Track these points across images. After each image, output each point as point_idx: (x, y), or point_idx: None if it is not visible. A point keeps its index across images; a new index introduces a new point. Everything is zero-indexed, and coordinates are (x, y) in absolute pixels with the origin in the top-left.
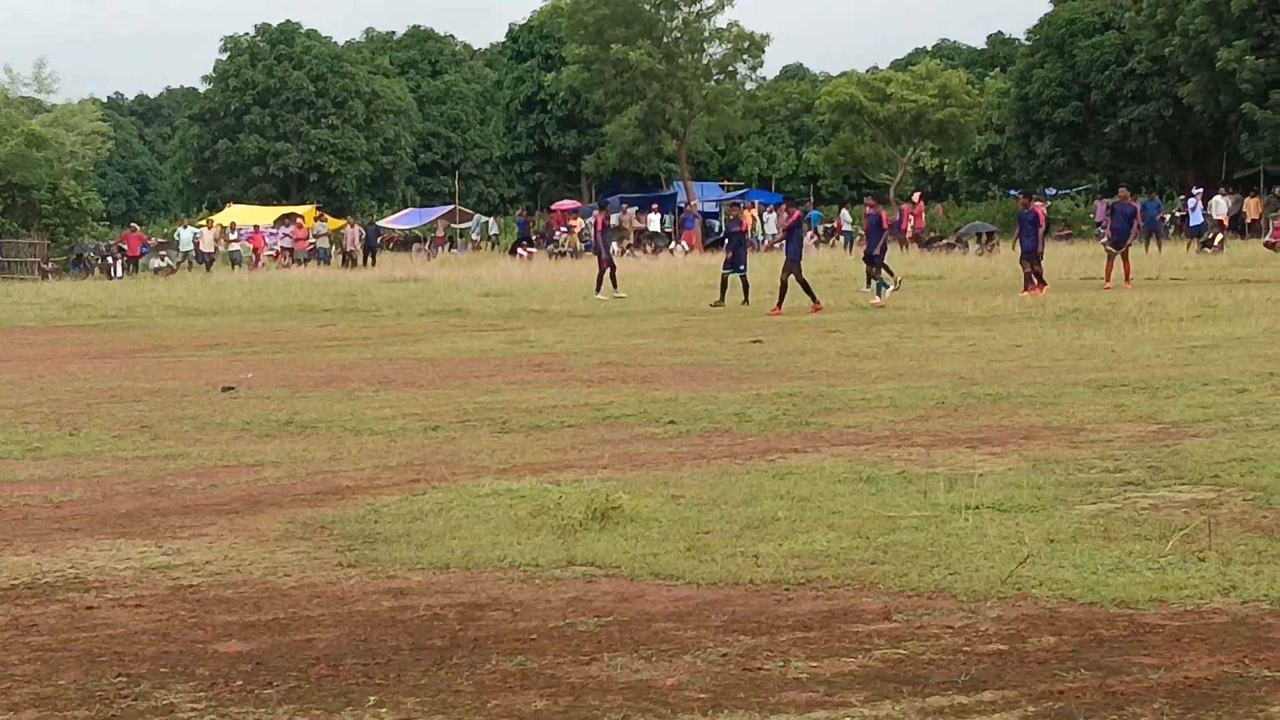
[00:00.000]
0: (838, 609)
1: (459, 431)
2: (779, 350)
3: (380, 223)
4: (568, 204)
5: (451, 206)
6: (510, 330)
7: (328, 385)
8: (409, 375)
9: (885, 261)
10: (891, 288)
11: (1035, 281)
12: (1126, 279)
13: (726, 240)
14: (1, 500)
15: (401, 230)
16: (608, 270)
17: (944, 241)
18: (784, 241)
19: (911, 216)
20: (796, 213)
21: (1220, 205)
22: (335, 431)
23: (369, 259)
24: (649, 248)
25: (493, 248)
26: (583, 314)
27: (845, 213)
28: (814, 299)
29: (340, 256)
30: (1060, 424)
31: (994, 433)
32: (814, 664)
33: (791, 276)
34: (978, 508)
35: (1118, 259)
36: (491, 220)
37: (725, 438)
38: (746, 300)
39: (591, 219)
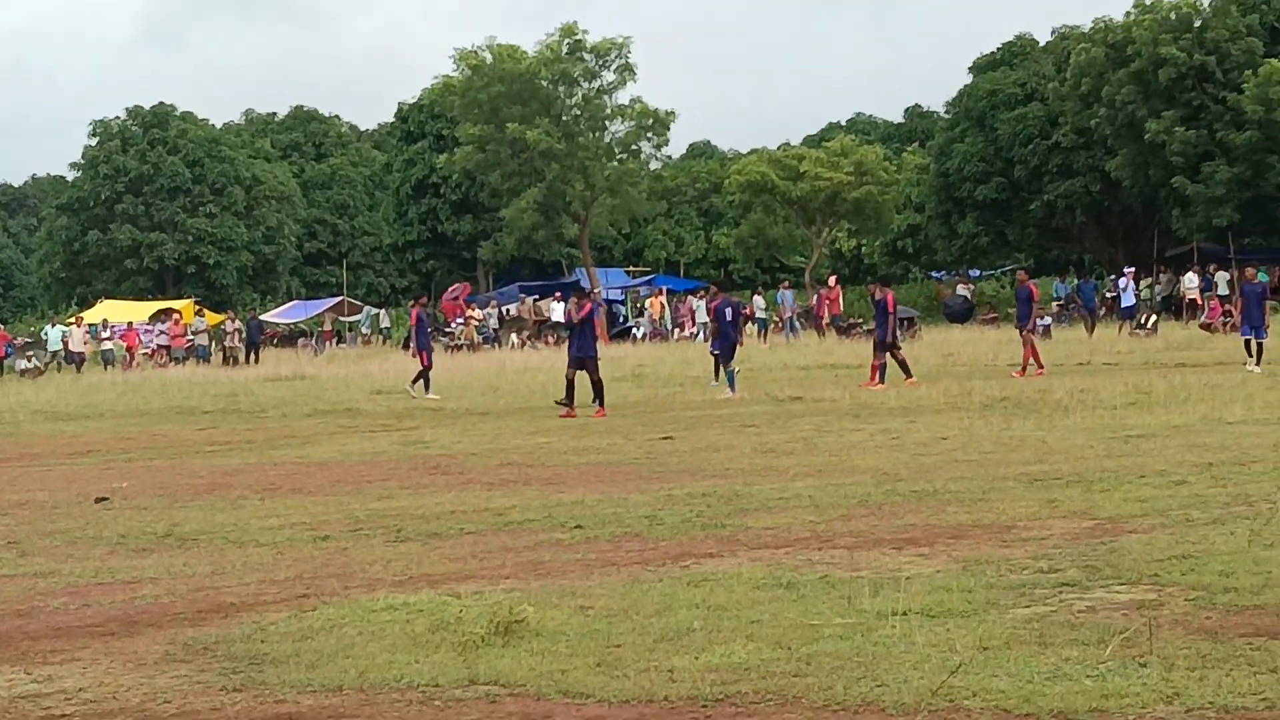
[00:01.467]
0: None
1: (351, 541)
2: (691, 447)
3: (263, 317)
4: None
5: (339, 298)
6: (404, 430)
7: (209, 493)
8: (296, 481)
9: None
10: (730, 392)
11: (876, 376)
12: (1023, 367)
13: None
14: None
15: (286, 325)
16: (427, 369)
17: (864, 328)
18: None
19: (828, 301)
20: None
21: (1192, 280)
22: (218, 544)
23: (252, 356)
24: (551, 338)
25: (383, 341)
26: (481, 411)
27: (758, 298)
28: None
29: (221, 354)
30: (990, 521)
31: (921, 532)
32: None
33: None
34: (905, 613)
35: (1035, 342)
36: (383, 312)
37: (636, 543)
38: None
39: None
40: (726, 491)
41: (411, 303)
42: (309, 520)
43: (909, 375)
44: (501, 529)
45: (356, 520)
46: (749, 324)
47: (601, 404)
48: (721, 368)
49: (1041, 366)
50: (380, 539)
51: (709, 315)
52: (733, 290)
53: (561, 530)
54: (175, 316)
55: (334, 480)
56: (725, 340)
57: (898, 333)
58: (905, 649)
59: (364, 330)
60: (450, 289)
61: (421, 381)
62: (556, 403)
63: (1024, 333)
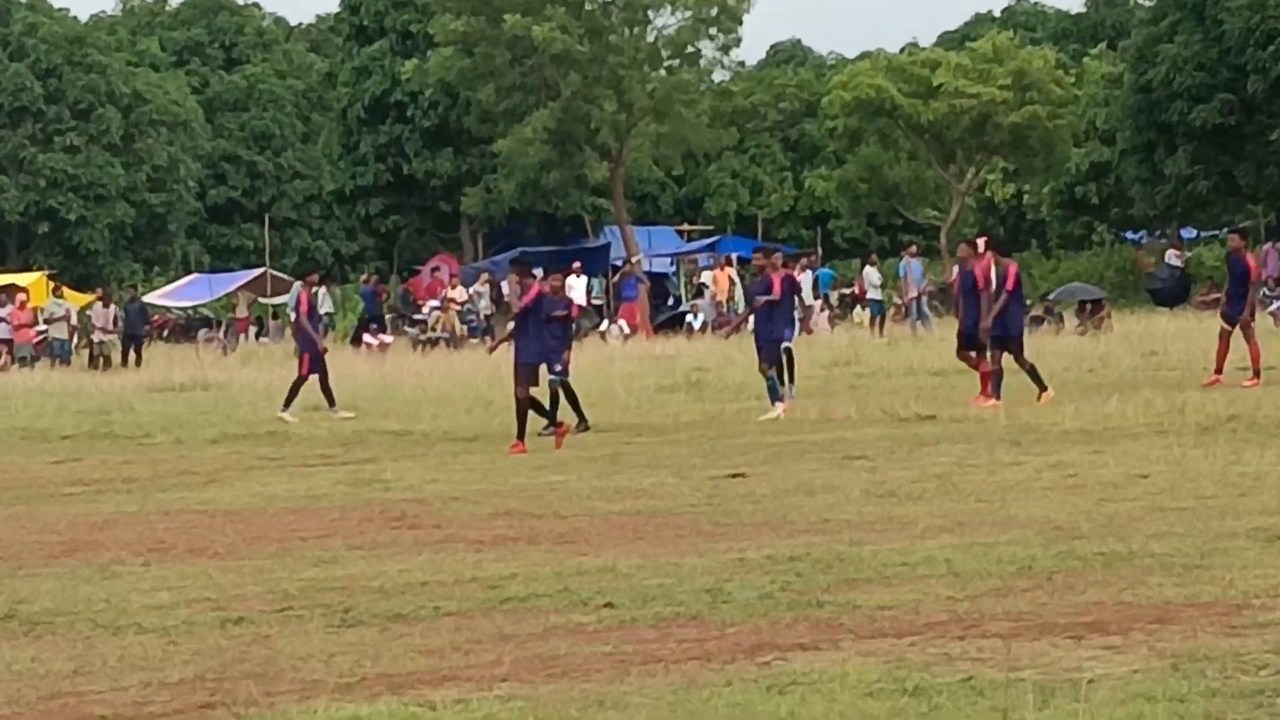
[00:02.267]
0: None
1: (276, 626)
2: (772, 489)
3: (148, 298)
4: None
5: (259, 270)
6: (354, 464)
7: (69, 555)
8: (196, 538)
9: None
10: (787, 398)
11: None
12: (1254, 373)
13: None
14: None
15: (182, 309)
16: (303, 379)
17: (1028, 314)
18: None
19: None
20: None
21: None
22: (81, 629)
23: (131, 354)
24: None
25: (325, 333)
26: (467, 436)
27: (871, 270)
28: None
29: (87, 352)
30: (1212, 598)
31: (1110, 613)
32: None
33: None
34: None
35: (1235, 337)
36: (322, 291)
37: (692, 629)
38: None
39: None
40: (825, 554)
41: (301, 281)
42: (215, 595)
43: (990, 393)
44: (496, 608)
45: (285, 595)
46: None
47: (555, 425)
48: (770, 372)
49: (1257, 375)
50: (319, 622)
51: (776, 290)
52: (836, 259)
53: (583, 610)
54: (20, 298)
55: (251, 537)
56: (769, 330)
57: (1021, 326)
58: None
59: (293, 316)
60: (430, 261)
61: (291, 399)
62: (542, 431)
63: (1235, 322)
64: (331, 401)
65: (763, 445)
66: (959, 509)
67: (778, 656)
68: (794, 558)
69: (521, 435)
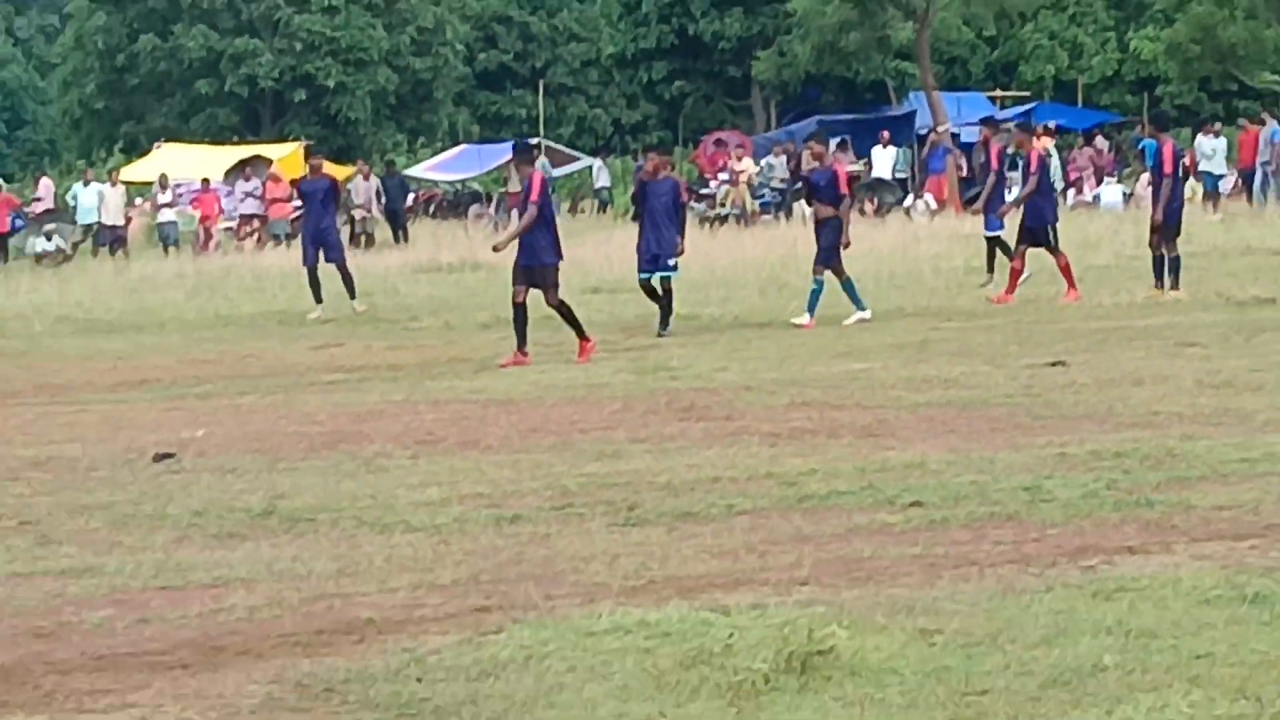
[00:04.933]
0: None
1: (555, 525)
2: (1095, 379)
3: (413, 171)
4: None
5: (534, 141)
6: (637, 351)
7: (331, 449)
8: (468, 430)
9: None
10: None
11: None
12: None
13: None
14: None
15: (450, 183)
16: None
17: None
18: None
19: None
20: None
21: None
22: (346, 527)
23: (397, 232)
24: (870, 203)
25: (601, 210)
26: (760, 321)
27: (1204, 140)
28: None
29: (347, 229)
30: None
31: None
32: None
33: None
34: None
35: None
36: (598, 163)
37: (1009, 530)
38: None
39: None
40: (1155, 449)
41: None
42: (489, 491)
43: (1070, 284)
44: (794, 506)
45: (565, 492)
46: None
47: (583, 338)
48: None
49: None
50: (601, 521)
51: (994, 162)
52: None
53: (889, 509)
54: (273, 171)
55: (527, 429)
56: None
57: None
58: None
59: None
60: (712, 133)
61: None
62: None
63: None
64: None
65: (1085, 331)
66: None
67: (1103, 560)
68: (1120, 453)
69: (522, 343)
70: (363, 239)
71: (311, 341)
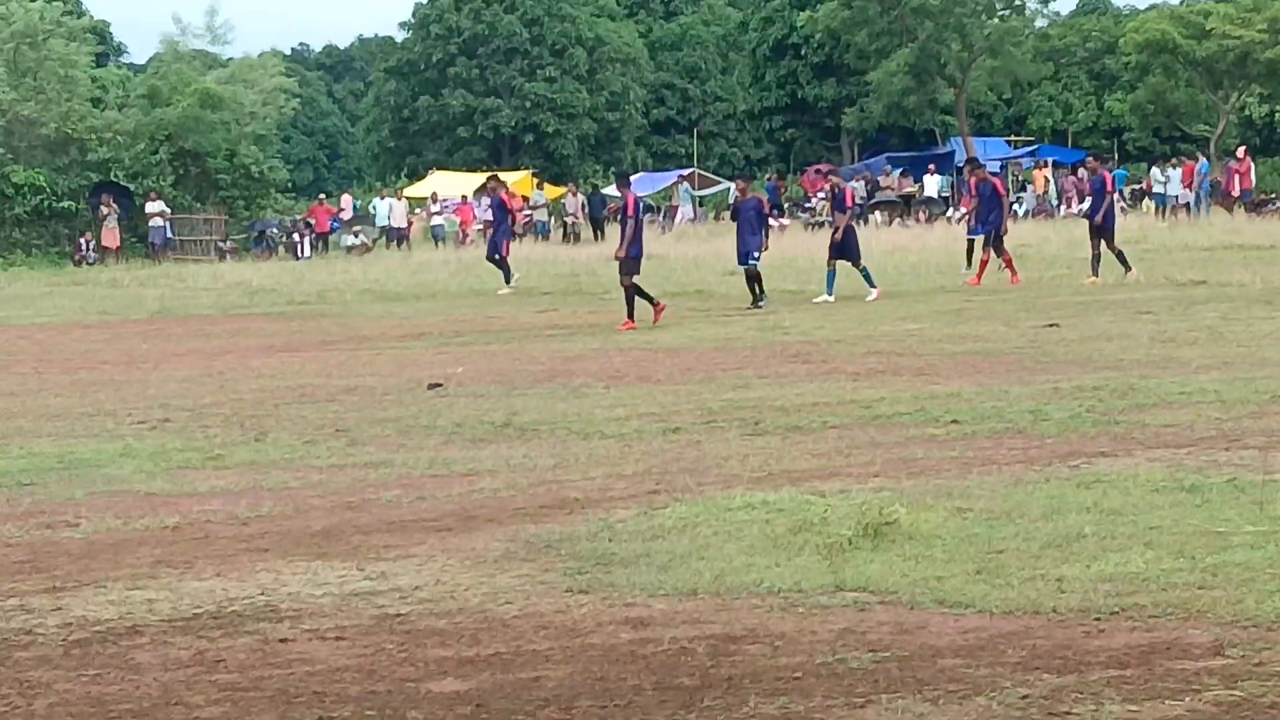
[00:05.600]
0: (1159, 642)
1: (704, 434)
2: (1079, 336)
3: (606, 190)
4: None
5: (690, 170)
6: (761, 316)
7: (549, 381)
8: (643, 368)
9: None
10: (875, 290)
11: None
12: None
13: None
14: (181, 516)
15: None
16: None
17: (1276, 205)
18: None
19: (1238, 175)
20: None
21: None
22: (560, 435)
23: (595, 232)
24: (923, 214)
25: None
26: (845, 295)
27: (1156, 171)
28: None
29: (560, 230)
30: None
31: None
32: (1133, 708)
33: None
34: None
35: None
36: (732, 186)
37: (1019, 439)
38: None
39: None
40: (1120, 385)
41: (489, 185)
42: (658, 411)
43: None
44: (869, 423)
45: (710, 411)
46: (1145, 200)
47: (629, 317)
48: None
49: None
50: (736, 432)
51: (972, 190)
52: (1128, 163)
53: (935, 425)
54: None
55: (684, 368)
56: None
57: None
58: None
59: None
60: (812, 166)
61: (509, 273)
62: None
63: None
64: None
65: (1072, 303)
66: (1224, 352)
67: (1084, 461)
68: (1096, 387)
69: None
70: (572, 237)
71: (535, 307)
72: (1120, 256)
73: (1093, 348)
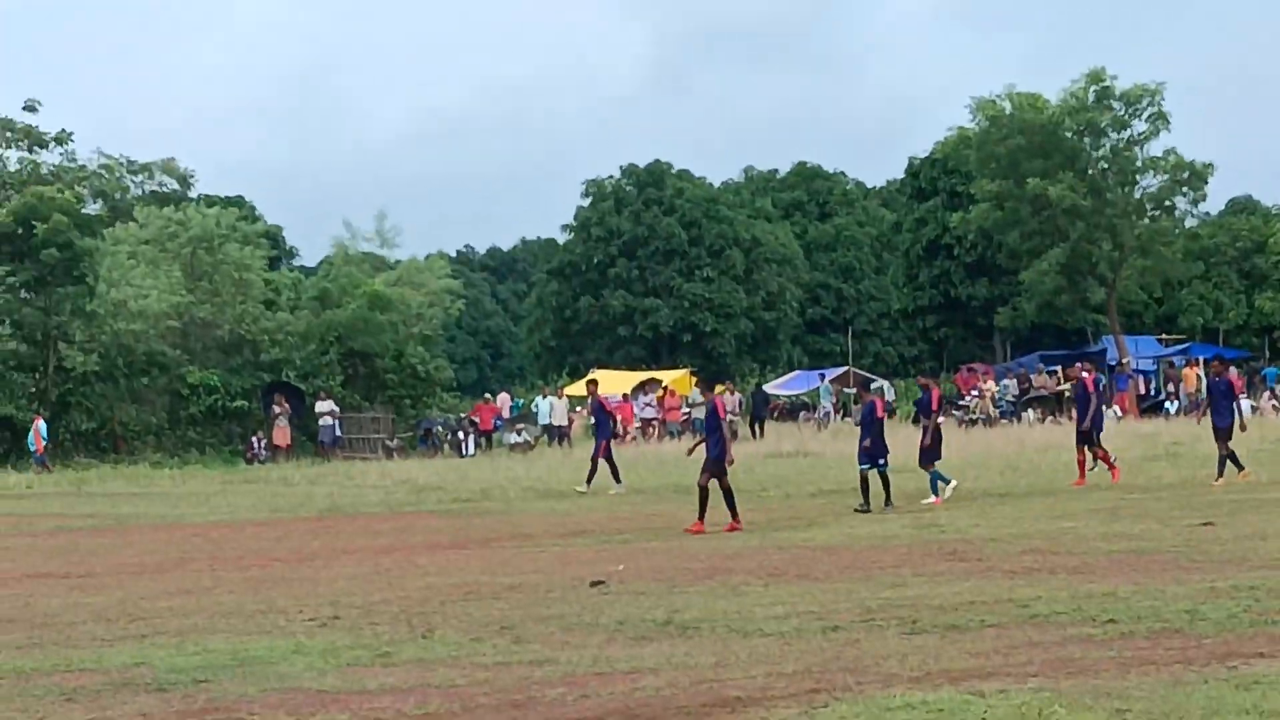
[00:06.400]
0: None
1: (862, 632)
2: (1234, 535)
3: (765, 387)
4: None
5: (845, 369)
6: (917, 513)
7: (709, 578)
8: (801, 566)
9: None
10: (953, 483)
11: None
12: None
13: (861, 426)
14: (351, 713)
15: (788, 396)
16: (603, 458)
17: None
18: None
19: None
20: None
21: None
22: (720, 633)
23: (753, 428)
24: (1072, 413)
25: (890, 416)
26: (1000, 492)
27: None
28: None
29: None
30: None
31: None
32: None
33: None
34: None
35: None
36: (888, 384)
37: (1176, 639)
38: (888, 501)
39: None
40: (1277, 584)
41: (588, 388)
42: (817, 609)
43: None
44: (1026, 621)
45: (868, 610)
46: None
47: (734, 517)
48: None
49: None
50: (894, 630)
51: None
52: (1277, 360)
53: (1092, 625)
54: (667, 388)
55: (842, 566)
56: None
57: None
58: None
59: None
60: (966, 365)
61: (592, 475)
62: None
63: None
64: (589, 479)
65: (1227, 501)
66: None
67: (1242, 662)
68: (1253, 586)
69: (701, 516)
70: (730, 435)
71: (695, 504)
72: (1232, 457)
73: (1248, 546)
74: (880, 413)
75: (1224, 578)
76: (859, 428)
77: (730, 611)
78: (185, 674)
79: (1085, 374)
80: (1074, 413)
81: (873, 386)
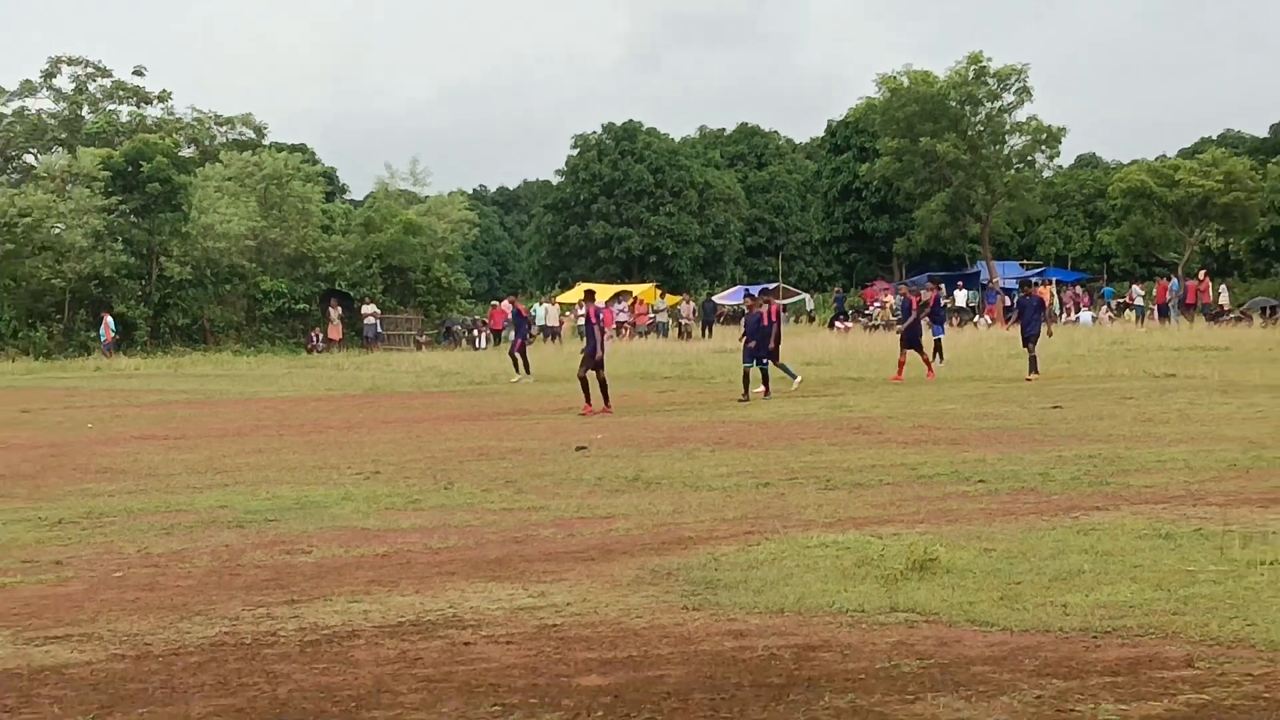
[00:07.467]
0: (1143, 656)
1: (788, 488)
2: (1078, 416)
3: (714, 299)
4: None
5: (776, 284)
6: (830, 396)
7: (669, 445)
8: (741, 437)
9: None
10: (798, 378)
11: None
12: None
13: (745, 329)
14: (388, 546)
15: (731, 305)
16: (518, 352)
17: (1229, 315)
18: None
19: (1199, 292)
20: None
21: None
22: (677, 487)
23: (703, 331)
24: (955, 321)
25: (810, 321)
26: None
27: (1137, 288)
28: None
29: (676, 329)
30: None
31: None
32: (1123, 707)
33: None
34: (1273, 563)
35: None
36: (808, 297)
37: (1031, 496)
38: (765, 391)
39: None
40: (1110, 454)
41: (507, 299)
42: (752, 469)
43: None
44: (915, 481)
45: (792, 470)
46: (1127, 311)
47: (606, 403)
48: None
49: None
50: (812, 487)
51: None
52: (1114, 281)
53: (966, 483)
54: (636, 298)
55: (772, 436)
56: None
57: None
58: (1273, 594)
59: (808, 310)
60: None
61: (519, 368)
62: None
63: None
64: (517, 368)
65: (1072, 390)
66: (1191, 429)
67: (1082, 513)
68: (1091, 456)
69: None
70: (685, 334)
71: (657, 389)
72: (1032, 360)
73: (1088, 425)
74: (766, 321)
75: (1069, 449)
76: (743, 334)
77: (685, 471)
78: (259, 514)
79: (912, 296)
80: (958, 319)
81: (766, 298)
